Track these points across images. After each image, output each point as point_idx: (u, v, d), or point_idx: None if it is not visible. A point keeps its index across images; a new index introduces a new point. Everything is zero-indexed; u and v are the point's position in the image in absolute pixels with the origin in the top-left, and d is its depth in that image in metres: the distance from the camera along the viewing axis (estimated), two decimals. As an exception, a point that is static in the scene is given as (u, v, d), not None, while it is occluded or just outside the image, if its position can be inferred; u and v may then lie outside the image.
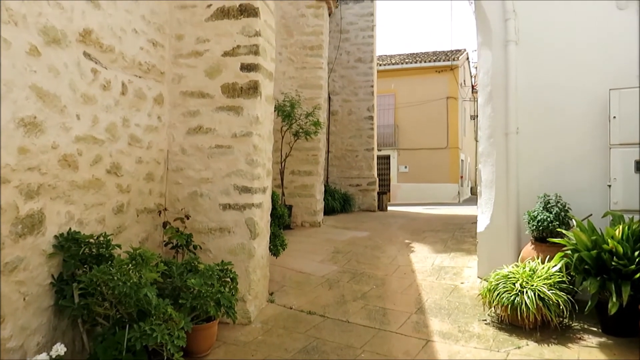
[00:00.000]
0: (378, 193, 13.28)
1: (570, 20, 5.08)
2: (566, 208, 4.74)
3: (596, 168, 4.90)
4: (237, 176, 4.36)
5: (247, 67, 4.39)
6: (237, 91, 4.40)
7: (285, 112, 8.19)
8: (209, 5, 4.48)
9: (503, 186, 5.30)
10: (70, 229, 3.13)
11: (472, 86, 26.23)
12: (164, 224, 4.28)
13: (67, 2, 3.14)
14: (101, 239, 3.21)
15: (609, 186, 4.69)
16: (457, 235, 8.21)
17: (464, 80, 24.99)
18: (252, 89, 4.37)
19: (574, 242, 4.15)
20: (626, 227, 3.98)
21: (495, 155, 5.37)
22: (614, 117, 4.66)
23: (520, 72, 5.27)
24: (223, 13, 4.45)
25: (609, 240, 3.89)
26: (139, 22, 4.02)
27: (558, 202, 4.77)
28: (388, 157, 23.38)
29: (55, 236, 3.03)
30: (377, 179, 13.43)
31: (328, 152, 12.48)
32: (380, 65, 21.62)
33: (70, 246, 3.03)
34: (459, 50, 24.11)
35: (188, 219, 4.31)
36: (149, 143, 4.19)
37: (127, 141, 3.85)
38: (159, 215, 4.33)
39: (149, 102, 4.18)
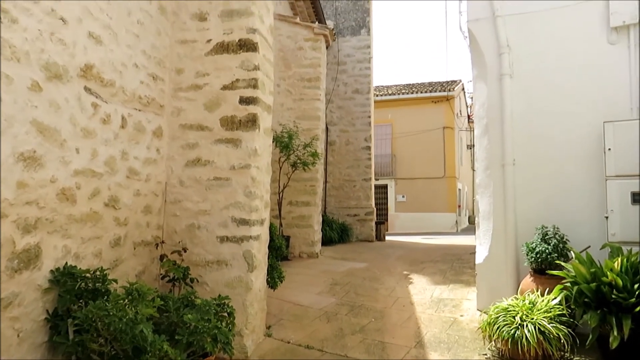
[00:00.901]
0: (376, 223, 13.25)
1: (564, 55, 5.18)
2: (564, 240, 4.73)
3: (593, 199, 4.92)
4: (235, 208, 4.36)
5: (245, 101, 4.44)
6: (235, 124, 4.43)
7: (283, 143, 8.24)
8: (209, 40, 4.56)
9: (501, 217, 5.31)
10: (66, 263, 3.11)
11: (468, 116, 26.50)
12: (161, 257, 4.25)
13: (70, 39, 3.19)
14: (97, 273, 3.18)
15: (606, 217, 4.70)
16: (455, 266, 8.17)
17: (460, 111, 25.26)
18: (251, 122, 4.41)
19: (573, 274, 4.13)
20: (625, 260, 3.97)
21: (493, 186, 5.40)
22: (609, 149, 4.70)
23: (516, 105, 5.34)
24: (222, 48, 4.52)
25: (608, 272, 3.87)
26: (140, 56, 4.09)
27: (556, 233, 4.77)
28: (385, 187, 23.42)
29: (51, 271, 3.00)
30: (375, 209, 13.43)
31: (326, 182, 12.51)
32: (377, 95, 21.89)
33: (66, 281, 3.00)
34: (455, 81, 24.46)
35: (185, 251, 4.28)
36: (148, 175, 4.20)
37: (125, 174, 3.86)
38: (156, 248, 4.31)
39: (148, 135, 4.21)
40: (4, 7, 2.66)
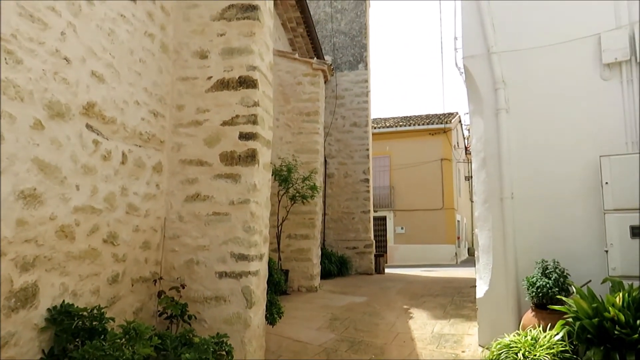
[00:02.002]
0: (375, 255, 13.18)
1: (559, 90, 5.27)
2: (565, 274, 4.71)
3: (592, 233, 4.92)
4: (234, 244, 4.35)
5: (245, 136, 4.48)
6: (235, 159, 4.47)
7: (282, 176, 8.28)
8: (210, 77, 4.63)
9: (500, 251, 5.29)
10: (63, 301, 3.08)
11: (466, 148, 26.70)
12: (159, 294, 4.21)
13: (73, 78, 3.25)
14: (95, 312, 3.15)
15: (606, 251, 4.69)
16: (456, 300, 8.09)
17: (457, 143, 25.47)
18: (250, 157, 4.45)
19: (575, 309, 4.09)
20: (626, 294, 3.94)
21: (492, 220, 5.40)
22: (606, 182, 4.73)
23: (513, 139, 5.40)
24: (223, 85, 4.59)
25: (610, 308, 3.84)
26: (142, 94, 4.15)
27: (556, 267, 4.74)
28: (384, 219, 23.37)
29: (48, 309, 2.97)
30: (374, 241, 13.38)
31: (325, 214, 12.50)
32: (375, 128, 22.10)
33: (62, 319, 2.97)
34: (452, 114, 24.74)
35: (183, 288, 4.24)
36: (147, 211, 4.20)
37: (125, 210, 3.87)
38: (154, 284, 4.27)
39: (148, 171, 4.24)
40: (9, 49, 2.72)
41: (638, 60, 4.79)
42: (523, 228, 5.26)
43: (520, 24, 5.56)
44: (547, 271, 4.73)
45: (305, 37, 11.27)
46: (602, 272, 4.71)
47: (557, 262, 4.79)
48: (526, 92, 5.43)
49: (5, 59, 2.69)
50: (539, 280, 4.69)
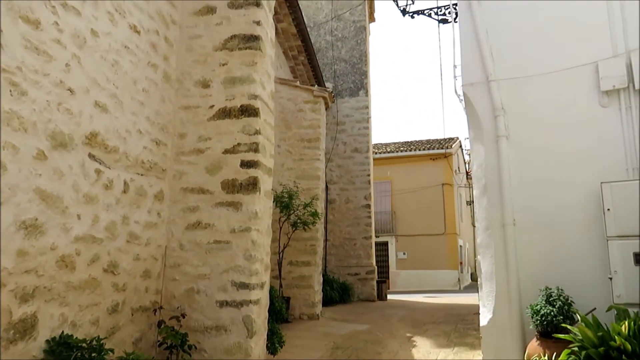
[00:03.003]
0: (377, 282, 13.06)
1: (558, 117, 5.29)
2: (569, 301, 4.66)
3: (596, 260, 4.88)
4: (235, 272, 4.33)
5: (246, 164, 4.50)
6: (236, 187, 4.48)
7: (283, 203, 8.27)
8: (212, 106, 4.68)
9: (503, 278, 5.24)
10: (62, 332, 3.05)
11: (467, 172, 26.73)
12: (159, 323, 4.16)
13: (77, 108, 3.29)
14: (94, 343, 3.11)
15: (610, 279, 4.65)
16: (459, 327, 7.98)
17: (458, 167, 25.51)
18: (252, 185, 4.46)
19: (580, 338, 4.03)
20: (632, 323, 3.89)
21: (494, 247, 5.37)
22: (608, 209, 4.72)
23: (513, 166, 5.41)
24: (225, 113, 4.64)
25: (615, 337, 3.78)
26: (144, 123, 4.19)
27: (560, 295, 4.69)
28: (386, 244, 23.25)
29: (47, 340, 2.94)
30: (376, 267, 13.28)
31: (326, 240, 12.44)
32: (375, 153, 22.18)
33: (61, 351, 2.93)
34: (452, 139, 24.84)
35: (184, 317, 4.20)
36: (148, 239, 4.19)
37: (125, 239, 3.86)
38: (154, 313, 4.23)
39: (150, 199, 4.24)
40: (14, 81, 2.76)
41: (636, 88, 4.83)
42: (526, 255, 5.22)
43: (519, 52, 5.63)
44: (551, 299, 4.68)
45: (306, 64, 11.42)
46: (607, 299, 4.65)
47: (561, 290, 4.74)
48: (526, 119, 5.46)
49: (10, 90, 2.73)
50: (543, 308, 4.64)
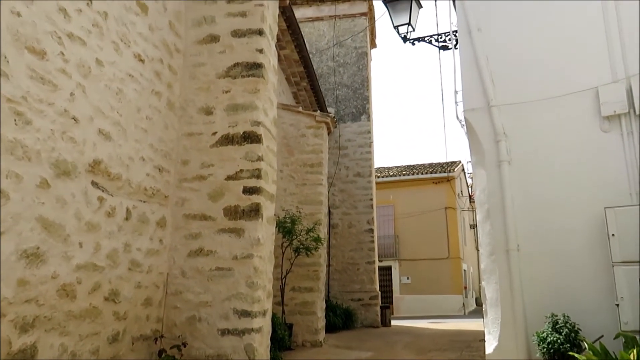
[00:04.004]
0: (381, 307, 12.92)
1: (560, 142, 5.30)
2: (576, 329, 4.59)
3: (602, 285, 4.82)
4: (237, 299, 4.28)
5: (249, 190, 4.50)
6: (239, 213, 4.47)
7: (286, 228, 8.24)
8: (214, 133, 4.71)
9: (508, 305, 5.18)
10: (62, 362, 3.01)
11: (470, 196, 26.66)
12: (160, 352, 4.11)
13: (81, 137, 3.31)
14: (93, 373, 3.07)
15: (617, 305, 4.58)
16: (465, 355, 7.85)
17: (461, 191, 25.46)
18: (254, 212, 4.45)
19: (588, 367, 3.96)
20: (640, 351, 3.82)
21: (498, 272, 5.32)
22: (613, 234, 4.68)
23: (516, 190, 5.39)
24: (227, 140, 4.66)
25: (624, 366, 3.72)
26: (147, 150, 4.21)
27: (567, 322, 4.63)
28: (389, 268, 23.06)
29: (46, 371, 2.90)
30: (379, 292, 13.15)
31: (329, 265, 12.36)
32: (378, 177, 22.19)
33: (60, 382, 2.89)
34: (454, 162, 24.86)
35: (185, 346, 4.15)
36: (149, 267, 4.17)
37: (127, 266, 3.84)
38: (155, 342, 4.18)
39: (152, 226, 4.24)
40: (19, 110, 2.79)
41: (637, 113, 4.85)
42: (531, 281, 5.17)
43: (519, 78, 5.68)
44: (558, 326, 4.62)
45: (308, 90, 11.53)
46: (614, 326, 4.58)
47: (568, 317, 4.67)
48: (528, 143, 5.47)
49: (15, 120, 2.76)
50: (549, 335, 4.57)
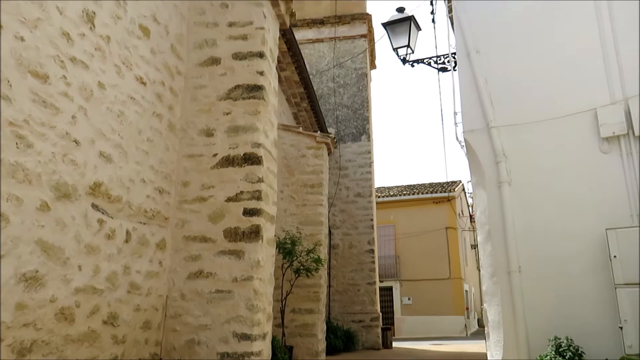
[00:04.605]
0: (382, 328, 12.78)
1: (559, 163, 5.32)
2: (579, 352, 4.53)
3: (604, 307, 4.79)
4: (236, 322, 4.24)
5: (249, 212, 4.49)
6: (239, 235, 4.45)
7: (286, 249, 8.20)
8: (215, 154, 4.72)
9: (511, 327, 5.13)
10: (59, 388, 2.97)
11: (470, 216, 26.59)
12: (158, 376, 4.06)
13: (82, 159, 3.32)
14: (91, 399, 3.02)
15: (621, 328, 4.54)
16: (467, 377, 7.73)
17: (462, 211, 25.41)
18: (254, 233, 4.44)
19: (593, 391, 3.90)
20: (645, 375, 3.77)
21: (500, 294, 5.28)
22: (614, 256, 4.67)
23: (517, 211, 5.39)
24: (228, 161, 4.67)
25: (629, 390, 3.66)
26: (148, 172, 4.21)
27: (570, 345, 4.58)
28: (390, 289, 22.88)
29: (43, 397, 2.86)
30: (380, 314, 13.03)
31: (329, 286, 12.26)
32: (379, 197, 22.16)
33: (57, 409, 2.85)
34: (455, 182, 24.86)
35: (184, 370, 4.10)
36: (149, 289, 4.14)
37: (126, 289, 3.81)
38: (154, 366, 4.13)
39: (152, 248, 4.22)
40: (21, 134, 2.80)
41: (636, 134, 4.87)
42: (533, 303, 5.13)
43: (518, 99, 5.72)
44: (561, 349, 4.57)
45: (309, 111, 11.60)
46: (618, 349, 4.53)
47: (571, 340, 4.62)
48: (528, 164, 5.48)
49: (17, 143, 2.77)
50: (553, 359, 4.51)
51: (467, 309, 23.18)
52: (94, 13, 3.55)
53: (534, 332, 5.03)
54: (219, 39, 4.99)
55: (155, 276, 4.25)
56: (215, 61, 4.95)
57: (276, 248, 7.25)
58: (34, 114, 2.91)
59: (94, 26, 3.55)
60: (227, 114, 4.79)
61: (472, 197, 20.88)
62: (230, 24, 4.99)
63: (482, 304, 5.97)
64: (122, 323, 3.73)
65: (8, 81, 2.72)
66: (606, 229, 4.76)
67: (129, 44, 4.03)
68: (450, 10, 6.60)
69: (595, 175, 5.10)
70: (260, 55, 4.89)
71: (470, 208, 26.73)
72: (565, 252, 5.08)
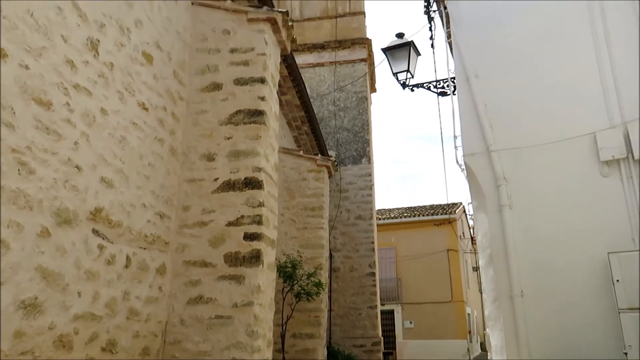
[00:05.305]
0: (384, 353, 12.63)
1: (560, 186, 5.32)
2: (584, 378, 4.47)
3: (608, 332, 4.73)
4: (236, 349, 4.19)
5: (250, 237, 4.48)
6: (239, 260, 4.44)
7: (287, 273, 8.14)
8: (216, 179, 4.73)
9: (514, 353, 5.07)
10: (55, 418, 2.92)
11: (472, 238, 26.46)
12: (157, 405, 3.99)
13: (83, 185, 3.33)
14: None
15: (625, 354, 4.48)
16: (471, 404, 7.60)
17: (463, 233, 25.30)
18: (255, 258, 4.42)
19: (599, 420, 3.83)
20: (652, 403, 3.71)
21: (502, 319, 5.23)
22: (617, 280, 4.63)
23: (518, 235, 5.37)
24: (229, 186, 4.68)
25: (636, 419, 3.60)
26: (149, 196, 4.22)
27: (574, 371, 4.51)
28: (392, 312, 22.65)
29: None
30: (382, 338, 12.87)
31: (330, 310, 12.15)
32: (379, 219, 22.10)
33: None
34: (456, 204, 24.82)
35: (182, 398, 4.04)
36: (148, 315, 4.10)
37: (125, 315, 3.78)
38: (152, 394, 4.07)
39: (152, 273, 4.20)
40: (23, 160, 2.82)
41: (636, 158, 4.88)
42: (536, 327, 5.07)
43: (518, 123, 5.75)
44: (565, 376, 4.50)
45: (309, 134, 11.65)
46: (624, 375, 4.46)
47: (575, 366, 4.56)
48: (528, 188, 5.49)
49: (19, 170, 2.78)
50: (557, 386, 4.44)
51: (470, 332, 22.89)
52: (98, 41, 3.61)
53: (537, 357, 4.97)
54: (221, 64, 5.05)
55: (155, 302, 4.22)
56: (217, 86, 5.00)
57: (277, 272, 7.21)
58: (37, 140, 2.93)
59: (98, 53, 3.60)
60: (229, 138, 4.81)
61: (473, 219, 20.86)
62: (232, 50, 5.06)
63: (484, 329, 5.91)
64: (120, 350, 3.68)
65: (12, 108, 2.74)
66: (608, 253, 4.74)
67: (132, 71, 4.08)
68: (449, 36, 6.69)
69: (596, 199, 5.10)
70: (262, 80, 4.94)
71: (472, 230, 26.63)
72: (568, 276, 5.05)
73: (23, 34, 2.87)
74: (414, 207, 26.02)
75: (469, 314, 23.40)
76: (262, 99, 4.90)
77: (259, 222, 4.52)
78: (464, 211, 25.93)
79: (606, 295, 4.79)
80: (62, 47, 3.20)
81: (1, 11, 2.70)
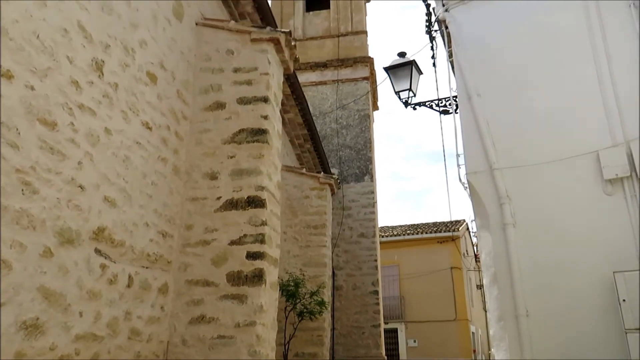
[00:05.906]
0: (387, 373, 12.47)
1: (564, 204, 5.29)
2: (591, 400, 4.39)
3: (615, 353, 4.66)
4: (238, 370, 4.15)
5: (252, 256, 4.47)
6: (242, 279, 4.41)
7: (289, 292, 8.10)
8: (219, 198, 4.73)
9: (520, 374, 4.99)
10: None
11: (475, 255, 26.31)
12: None
13: (86, 204, 3.33)
14: None
15: (633, 375, 4.41)
16: None
17: (467, 250, 25.17)
18: (257, 277, 4.40)
19: None
20: None
21: (508, 339, 5.17)
22: (624, 300, 4.58)
23: (522, 254, 5.33)
24: (232, 205, 4.68)
25: None
26: (152, 215, 4.22)
27: (581, 393, 4.44)
28: (395, 331, 22.42)
29: None
30: (386, 358, 12.72)
31: (333, 329, 12.04)
32: (382, 236, 22.01)
33: None
34: (459, 221, 24.72)
35: (184, 421, 3.98)
36: (150, 335, 4.07)
37: (127, 335, 3.76)
38: (153, 416, 4.02)
39: (154, 293, 4.18)
40: (27, 180, 2.83)
41: (639, 176, 4.86)
42: (542, 347, 5.00)
43: (521, 141, 5.75)
44: (572, 397, 4.43)
45: (312, 152, 11.68)
46: (632, 397, 4.39)
47: (582, 387, 4.49)
48: (532, 206, 5.46)
49: (23, 190, 2.79)
50: (564, 408, 4.37)
51: (475, 351, 22.62)
52: (103, 62, 3.65)
53: (543, 379, 4.89)
54: (224, 84, 5.09)
55: (157, 322, 4.19)
56: (220, 106, 5.04)
57: (279, 290, 7.17)
58: (41, 160, 2.94)
59: (103, 74, 3.64)
60: (232, 157, 4.83)
61: (476, 237, 20.73)
62: (236, 70, 5.11)
63: (489, 348, 5.83)
64: (121, 371, 3.65)
65: (17, 129, 2.76)
66: (614, 272, 4.69)
67: (137, 90, 4.11)
68: (450, 55, 6.73)
69: (600, 217, 5.07)
70: (265, 100, 4.98)
71: (475, 247, 26.48)
72: (573, 296, 5.00)
73: (29, 55, 2.90)
74: (417, 225, 25.93)
75: (473, 333, 23.15)
76: (265, 117, 4.92)
77: (262, 241, 4.51)
78: (467, 229, 25.80)
79: (612, 314, 4.73)
80: (67, 67, 3.24)
81: (6, 32, 2.74)
